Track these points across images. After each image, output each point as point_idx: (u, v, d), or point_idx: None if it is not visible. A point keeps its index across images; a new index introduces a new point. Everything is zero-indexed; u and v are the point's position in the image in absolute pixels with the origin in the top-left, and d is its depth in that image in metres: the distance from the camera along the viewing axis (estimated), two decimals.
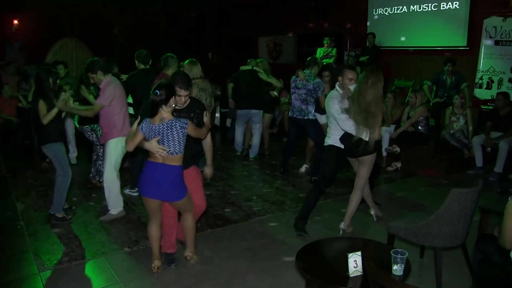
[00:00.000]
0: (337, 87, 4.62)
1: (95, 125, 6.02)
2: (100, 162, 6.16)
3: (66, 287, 3.74)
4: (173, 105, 3.50)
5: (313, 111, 6.42)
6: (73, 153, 7.54)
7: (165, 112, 3.45)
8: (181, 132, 3.47)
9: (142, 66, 5.75)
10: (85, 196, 5.92)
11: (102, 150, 6.10)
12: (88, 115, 4.96)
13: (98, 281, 3.82)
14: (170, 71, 5.18)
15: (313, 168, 6.63)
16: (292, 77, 6.63)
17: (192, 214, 3.88)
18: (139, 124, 3.55)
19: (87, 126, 6.14)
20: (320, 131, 6.42)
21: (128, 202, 5.51)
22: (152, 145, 3.45)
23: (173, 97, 3.48)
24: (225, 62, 15.35)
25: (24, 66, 10.87)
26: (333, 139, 4.62)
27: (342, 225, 4.66)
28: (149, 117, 3.48)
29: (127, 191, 5.84)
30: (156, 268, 3.85)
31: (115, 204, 5.11)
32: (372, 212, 5.05)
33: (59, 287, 3.74)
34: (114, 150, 4.94)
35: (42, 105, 4.68)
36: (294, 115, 6.55)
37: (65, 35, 13.58)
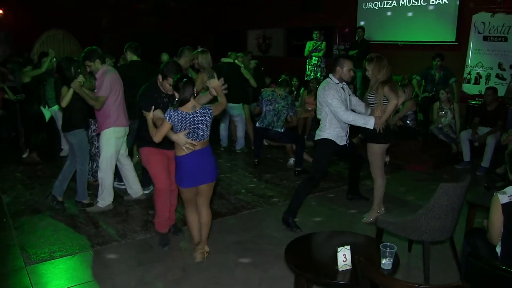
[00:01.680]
0: (331, 76, 4.61)
1: None
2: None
3: (53, 281, 3.70)
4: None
5: (282, 125, 6.49)
6: (66, 145, 7.47)
7: (194, 100, 3.53)
8: (211, 117, 3.61)
9: (135, 58, 5.71)
10: (72, 189, 5.85)
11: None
12: (95, 106, 4.82)
13: (86, 275, 3.78)
14: (181, 61, 5.40)
15: (296, 161, 6.71)
16: (268, 91, 6.68)
17: (209, 207, 3.94)
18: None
19: None
20: (291, 135, 6.72)
21: (115, 195, 5.44)
22: (180, 139, 3.48)
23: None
24: (214, 55, 15.27)
25: (10, 57, 10.70)
26: (328, 132, 4.61)
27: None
28: (176, 106, 3.52)
29: (115, 184, 5.78)
30: (205, 252, 3.94)
31: (105, 196, 5.08)
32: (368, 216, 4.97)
33: (46, 281, 3.71)
34: (108, 140, 4.90)
35: (65, 91, 4.83)
36: (264, 126, 6.58)
37: (52, 26, 13.40)
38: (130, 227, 4.68)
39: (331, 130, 4.59)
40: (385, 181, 4.84)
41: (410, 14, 9.90)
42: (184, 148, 3.52)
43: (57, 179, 5.23)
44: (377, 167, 4.74)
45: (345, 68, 4.52)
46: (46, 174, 6.55)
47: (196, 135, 3.53)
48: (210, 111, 3.60)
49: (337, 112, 4.45)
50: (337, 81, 4.57)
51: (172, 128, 3.51)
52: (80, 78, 4.75)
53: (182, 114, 3.47)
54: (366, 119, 4.47)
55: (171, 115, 3.48)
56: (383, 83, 4.45)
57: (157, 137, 3.55)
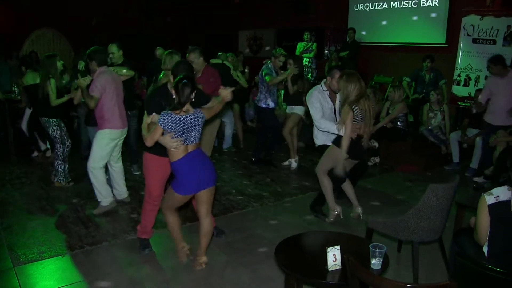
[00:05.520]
0: (322, 83, 4.76)
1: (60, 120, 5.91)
2: (59, 162, 5.90)
3: (42, 282, 3.68)
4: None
5: (263, 99, 6.73)
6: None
7: (189, 105, 3.44)
8: (203, 121, 3.56)
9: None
10: (62, 190, 5.82)
11: (61, 149, 5.89)
12: (89, 104, 4.82)
13: (76, 275, 3.76)
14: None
15: (253, 150, 7.22)
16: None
17: (212, 216, 3.88)
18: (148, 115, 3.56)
19: (54, 119, 5.82)
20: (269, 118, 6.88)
21: None
22: (166, 140, 3.39)
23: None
24: (204, 55, 15.26)
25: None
26: (320, 138, 4.83)
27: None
28: (171, 109, 3.38)
29: None
30: (204, 263, 3.86)
31: (103, 195, 5.02)
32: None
33: (34, 281, 3.69)
34: (101, 140, 4.89)
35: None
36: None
37: (42, 26, 13.30)
38: (120, 228, 4.66)
39: (323, 135, 4.79)
40: (330, 182, 4.75)
41: (400, 16, 9.95)
42: (172, 149, 3.43)
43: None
44: (322, 166, 4.70)
45: (334, 79, 4.62)
46: (36, 173, 6.52)
47: (189, 137, 3.44)
48: (202, 114, 3.53)
49: (313, 118, 4.70)
50: (325, 89, 4.74)
51: (163, 133, 3.43)
52: (88, 78, 4.85)
53: (176, 118, 3.37)
54: (338, 128, 4.49)
55: (164, 119, 3.35)
56: (350, 103, 4.32)
57: (148, 142, 3.47)
